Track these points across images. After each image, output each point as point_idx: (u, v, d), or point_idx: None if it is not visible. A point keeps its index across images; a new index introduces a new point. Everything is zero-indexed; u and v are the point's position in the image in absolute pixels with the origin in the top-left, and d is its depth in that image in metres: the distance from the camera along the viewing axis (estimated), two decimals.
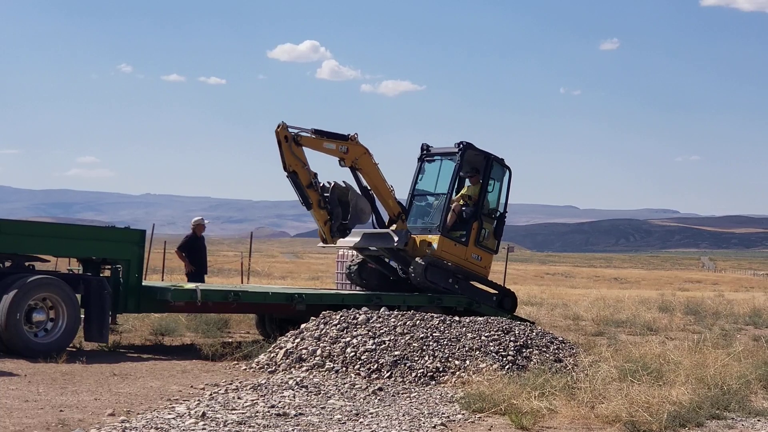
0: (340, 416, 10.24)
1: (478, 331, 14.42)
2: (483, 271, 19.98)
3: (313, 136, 18.02)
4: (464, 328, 14.45)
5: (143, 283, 16.14)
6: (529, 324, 15.84)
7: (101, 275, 15.69)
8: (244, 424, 9.51)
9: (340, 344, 13.75)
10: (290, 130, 17.68)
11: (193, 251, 21.73)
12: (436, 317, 14.82)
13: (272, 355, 14.07)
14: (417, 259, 18.78)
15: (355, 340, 13.78)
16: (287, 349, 13.95)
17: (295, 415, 10.09)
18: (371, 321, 14.46)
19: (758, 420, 11.08)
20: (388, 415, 10.47)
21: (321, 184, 18.13)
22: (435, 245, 19.03)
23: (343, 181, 18.52)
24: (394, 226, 18.99)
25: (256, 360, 14.18)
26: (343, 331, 14.17)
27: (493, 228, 20.09)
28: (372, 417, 10.35)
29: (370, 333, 13.98)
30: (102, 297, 15.01)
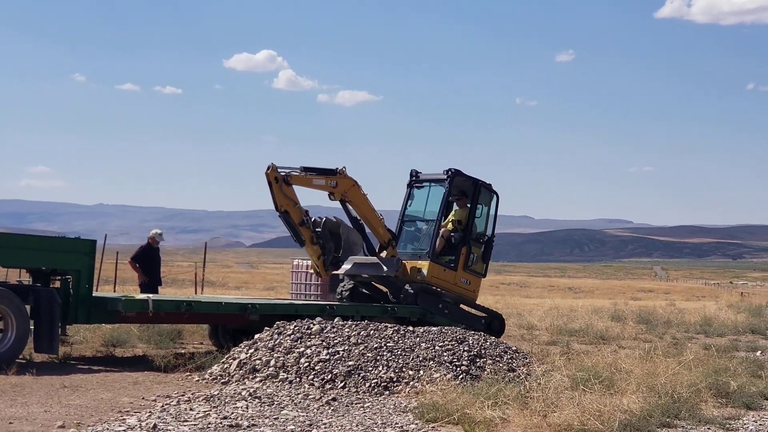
0: (293, 427, 10.21)
1: (432, 341, 14.43)
2: (472, 294, 20.31)
3: (303, 174, 18.34)
4: (418, 338, 14.46)
5: (94, 294, 16.01)
6: (482, 334, 15.86)
7: (51, 286, 15.55)
8: None
9: (294, 354, 13.71)
10: (280, 171, 17.99)
11: (147, 262, 21.66)
12: (391, 327, 14.83)
13: (225, 365, 14.01)
14: (407, 286, 19.08)
15: (309, 351, 13.75)
16: (241, 360, 13.89)
17: (248, 426, 10.06)
18: (325, 331, 14.43)
19: (708, 428, 11.17)
20: (342, 426, 10.45)
21: (313, 219, 18.52)
22: (425, 271, 19.35)
23: (334, 216, 18.98)
24: (384, 253, 19.41)
25: (209, 371, 14.11)
26: (297, 341, 14.13)
27: (481, 252, 20.44)
28: (325, 427, 10.32)
29: (324, 343, 13.96)
30: (52, 308, 14.86)
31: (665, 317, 32.97)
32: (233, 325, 17.99)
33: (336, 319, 15.25)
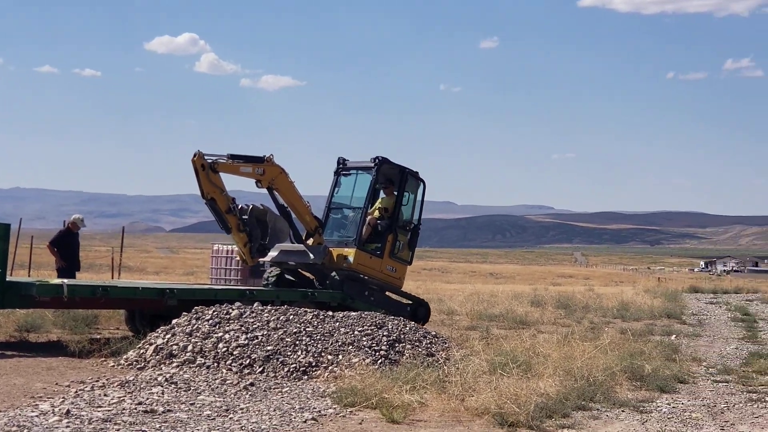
0: (209, 412, 10.12)
1: (351, 326, 14.42)
2: (398, 282, 20.37)
3: (230, 162, 18.25)
4: (337, 323, 14.44)
5: (8, 279, 15.74)
6: (402, 319, 15.87)
7: None
8: (110, 421, 9.32)
9: (212, 339, 13.62)
10: (206, 158, 17.93)
11: (66, 247, 21.42)
12: (310, 312, 14.80)
13: (142, 351, 13.86)
14: (333, 273, 19.12)
15: (227, 336, 13.66)
16: (157, 345, 13.77)
17: (163, 412, 9.95)
18: (244, 316, 14.35)
19: (622, 411, 11.29)
20: (259, 411, 10.39)
21: (239, 207, 18.59)
22: (351, 258, 19.35)
23: (261, 204, 19.03)
24: (311, 240, 19.37)
25: (124, 357, 13.95)
26: (215, 326, 14.04)
27: (407, 240, 20.49)
28: (242, 412, 10.26)
29: (242, 328, 13.88)
30: None
31: (584, 302, 33.31)
32: (151, 310, 17.80)
33: (255, 304, 15.18)
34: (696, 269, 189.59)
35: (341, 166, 20.49)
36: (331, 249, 19.37)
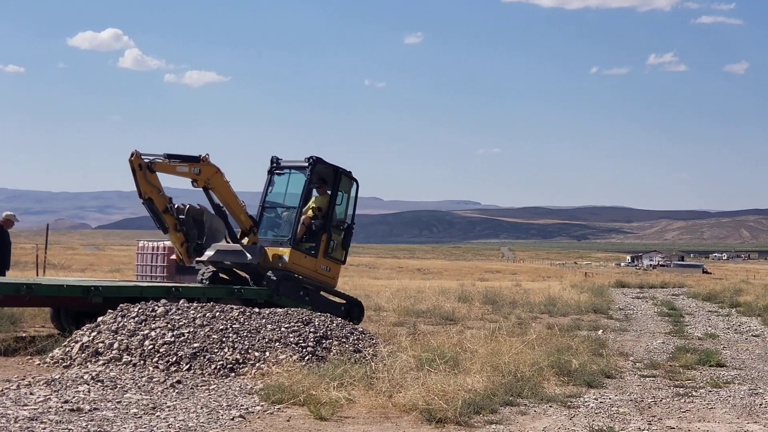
0: (136, 410, 10.06)
1: (278, 322, 14.39)
2: (332, 281, 20.44)
3: (167, 162, 18.24)
4: (264, 320, 14.40)
5: None
6: (328, 316, 15.85)
7: None
8: (36, 420, 9.25)
9: (138, 337, 13.52)
10: (144, 158, 17.90)
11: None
12: (236, 309, 14.76)
13: (67, 349, 13.74)
14: (269, 273, 19.04)
15: (153, 333, 13.58)
16: (83, 343, 13.64)
17: (90, 410, 9.88)
18: (170, 313, 14.27)
19: (550, 406, 11.38)
20: (186, 408, 10.35)
21: (176, 207, 18.57)
22: (286, 258, 19.35)
23: (198, 204, 18.99)
24: (246, 240, 19.39)
25: (50, 355, 13.83)
26: (141, 323, 13.94)
27: (341, 239, 20.57)
28: (169, 410, 10.21)
29: (169, 325, 13.80)
30: None
31: (511, 297, 33.47)
32: (76, 308, 17.61)
33: (181, 301, 15.11)
34: (622, 264, 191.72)
35: (275, 165, 20.44)
36: (265, 248, 19.36)
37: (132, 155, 17.75)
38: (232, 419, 9.92)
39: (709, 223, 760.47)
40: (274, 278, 18.89)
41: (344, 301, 20.66)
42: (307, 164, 19.79)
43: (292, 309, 15.57)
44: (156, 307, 14.48)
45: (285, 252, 19.37)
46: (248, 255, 18.99)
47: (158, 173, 18.14)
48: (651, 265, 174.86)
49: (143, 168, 17.80)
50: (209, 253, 19.28)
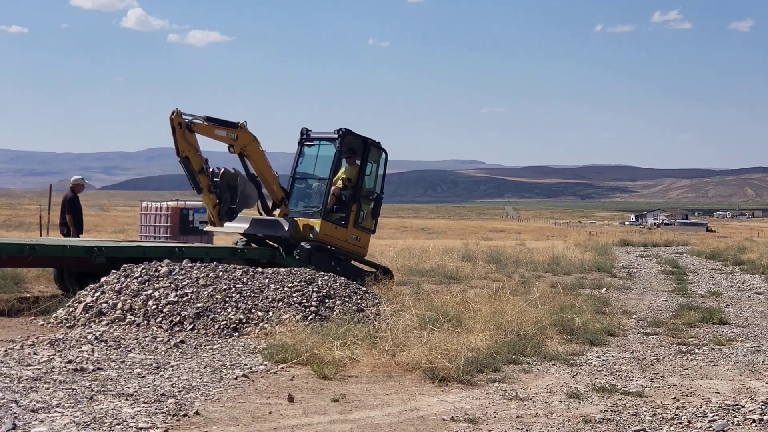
0: (139, 370, 10.09)
1: (281, 282, 14.39)
2: (362, 250, 20.63)
3: (206, 124, 18.53)
4: (267, 280, 14.40)
5: None
6: (331, 275, 15.85)
7: None
8: (40, 380, 9.27)
9: (142, 297, 13.54)
10: (184, 117, 18.18)
11: (76, 210, 22.14)
12: (239, 269, 14.76)
13: (71, 309, 13.76)
14: (302, 243, 19.27)
15: (156, 293, 13.59)
16: (86, 303, 13.65)
17: (93, 370, 9.90)
18: (173, 273, 14.28)
19: (552, 364, 11.40)
20: (190, 368, 10.37)
21: (211, 170, 18.74)
22: (317, 229, 19.54)
23: (233, 168, 19.10)
24: (277, 211, 19.67)
25: (54, 315, 13.85)
26: (144, 283, 13.95)
27: (370, 209, 20.74)
28: (173, 370, 10.23)
29: (172, 285, 13.81)
30: None
31: (515, 257, 33.44)
32: (79, 268, 17.64)
33: (185, 261, 15.11)
34: (627, 223, 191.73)
35: (305, 136, 20.63)
36: (296, 219, 19.53)
37: (173, 113, 18.05)
38: (236, 379, 9.94)
39: (713, 181, 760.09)
40: (308, 247, 19.15)
41: (374, 269, 20.79)
42: (336, 136, 19.98)
43: (295, 269, 15.57)
44: (159, 267, 14.49)
45: (316, 223, 19.57)
46: (285, 226, 19.19)
47: (196, 135, 18.38)
48: (655, 223, 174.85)
49: (183, 126, 18.07)
50: (244, 225, 19.54)
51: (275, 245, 20.03)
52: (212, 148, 19.32)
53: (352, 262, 20.45)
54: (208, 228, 19.87)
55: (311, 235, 19.48)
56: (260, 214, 19.95)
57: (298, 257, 19.14)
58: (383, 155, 20.93)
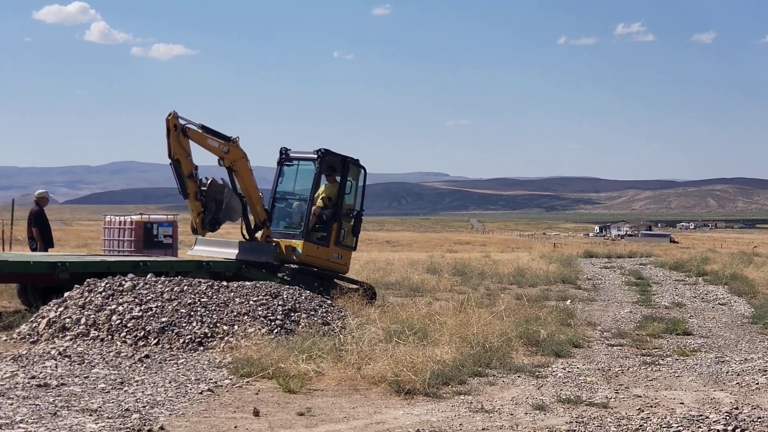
0: (104, 385, 10.04)
1: (246, 295, 14.37)
2: (344, 268, 20.69)
3: (200, 131, 18.61)
4: (232, 293, 14.38)
5: None
6: (297, 288, 15.85)
7: None
8: (3, 396, 9.24)
9: (106, 312, 13.46)
10: (180, 120, 18.21)
11: (42, 224, 22.30)
12: (204, 282, 14.71)
13: (34, 324, 13.66)
14: (287, 265, 19.51)
15: (121, 308, 13.52)
16: (50, 319, 13.56)
17: (57, 386, 9.85)
18: (138, 288, 14.21)
19: (518, 376, 11.44)
20: (154, 383, 10.33)
21: (200, 178, 18.73)
22: (300, 250, 19.67)
23: (222, 179, 19.13)
24: (260, 233, 19.69)
25: (17, 330, 13.74)
26: (108, 298, 13.87)
27: (351, 226, 20.77)
28: (137, 385, 10.19)
29: (136, 300, 13.74)
30: None
31: (480, 269, 33.47)
32: (43, 283, 17.52)
33: (149, 276, 15.04)
34: (591, 234, 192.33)
35: (284, 156, 20.72)
36: (278, 240, 19.63)
37: (170, 114, 18.07)
38: (201, 393, 9.92)
39: (676, 192, 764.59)
40: (291, 270, 19.39)
41: (357, 286, 20.78)
42: (316, 156, 20.06)
43: (261, 282, 15.56)
44: (123, 282, 14.41)
45: (298, 244, 19.67)
46: (269, 252, 19.25)
47: (190, 141, 18.41)
48: (619, 235, 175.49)
49: (178, 129, 18.09)
50: (233, 251, 19.57)
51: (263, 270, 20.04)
52: (204, 161, 19.32)
53: (335, 280, 20.50)
54: (194, 248, 20.01)
55: (294, 257, 19.59)
56: (242, 235, 19.90)
57: (279, 277, 19.12)
58: (362, 172, 21.04)
